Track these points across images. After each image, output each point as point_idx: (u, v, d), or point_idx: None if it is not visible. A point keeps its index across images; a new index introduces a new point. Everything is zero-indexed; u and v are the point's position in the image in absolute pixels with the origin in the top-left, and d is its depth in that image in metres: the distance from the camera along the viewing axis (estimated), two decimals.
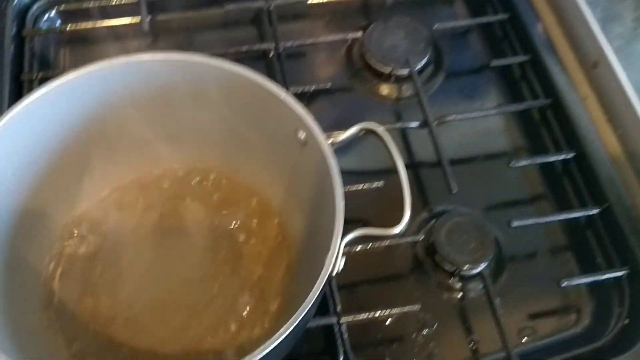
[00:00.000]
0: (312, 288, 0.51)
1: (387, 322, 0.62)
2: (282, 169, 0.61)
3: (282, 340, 0.43)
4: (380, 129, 0.53)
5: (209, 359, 0.56)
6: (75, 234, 0.61)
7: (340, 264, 0.48)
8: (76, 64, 0.76)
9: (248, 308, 0.58)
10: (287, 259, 0.61)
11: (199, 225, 0.63)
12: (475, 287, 0.64)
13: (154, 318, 0.58)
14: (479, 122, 0.75)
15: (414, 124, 0.71)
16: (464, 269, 0.63)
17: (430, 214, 0.68)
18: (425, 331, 0.62)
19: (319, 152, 0.52)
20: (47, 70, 0.74)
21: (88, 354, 0.55)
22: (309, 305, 0.45)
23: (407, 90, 0.77)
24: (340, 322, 0.58)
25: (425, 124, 0.70)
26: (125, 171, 0.63)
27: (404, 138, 0.74)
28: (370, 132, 0.54)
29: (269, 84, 0.54)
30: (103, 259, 0.60)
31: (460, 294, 0.64)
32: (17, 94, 0.71)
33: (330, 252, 0.47)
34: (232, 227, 0.62)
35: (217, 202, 0.63)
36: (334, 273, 0.48)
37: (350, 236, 0.49)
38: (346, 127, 0.57)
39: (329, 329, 0.59)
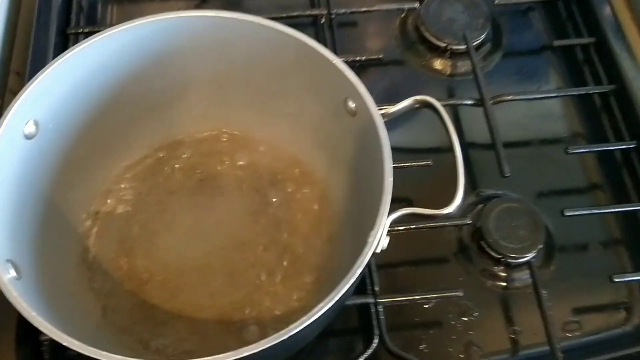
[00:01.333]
0: (352, 264, 0.49)
1: (426, 306, 0.60)
2: (327, 138, 0.59)
3: (320, 316, 0.42)
4: (437, 103, 0.50)
5: (244, 328, 0.54)
6: (113, 193, 0.60)
7: (385, 242, 0.46)
8: (123, 20, 0.76)
9: (284, 280, 0.57)
10: (328, 233, 0.59)
11: (239, 192, 0.61)
12: (521, 276, 0.61)
13: (189, 282, 0.56)
14: (536, 105, 0.71)
15: (469, 102, 0.67)
16: (512, 257, 0.60)
17: (478, 197, 0.65)
18: (465, 318, 0.60)
19: (369, 123, 0.50)
20: (94, 26, 0.73)
21: (120, 312, 0.55)
22: (351, 282, 0.43)
23: (462, 66, 0.74)
24: (378, 302, 0.56)
25: (480, 102, 0.67)
26: (168, 131, 0.62)
27: (455, 116, 0.70)
28: (425, 105, 0.51)
29: (322, 48, 0.52)
30: (140, 220, 0.59)
31: (504, 283, 0.61)
32: (63, 48, 0.70)
33: (374, 230, 0.45)
34: (272, 195, 0.61)
35: (259, 170, 0.62)
36: (378, 251, 0.46)
37: (396, 214, 0.46)
38: (396, 100, 0.54)
39: (364, 308, 0.57)
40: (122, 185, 0.60)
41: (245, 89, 0.60)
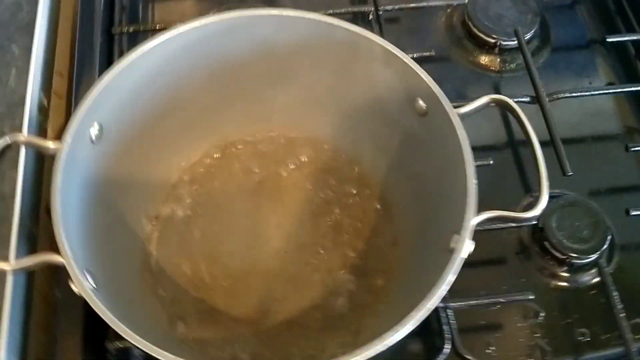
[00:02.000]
0: (423, 268, 0.48)
1: (490, 308, 0.59)
2: (389, 139, 0.57)
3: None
4: (513, 103, 0.49)
5: (315, 335, 0.53)
6: (172, 196, 0.59)
7: (471, 247, 0.45)
8: (164, 19, 0.74)
9: (350, 283, 0.55)
10: (391, 234, 0.57)
11: (297, 194, 0.60)
12: (584, 276, 0.60)
13: (254, 287, 0.55)
14: (589, 101, 0.70)
15: (524, 99, 0.66)
16: (576, 257, 0.59)
17: (533, 197, 0.64)
18: (530, 321, 0.59)
19: (444, 123, 0.49)
20: (137, 25, 0.71)
21: (187, 320, 0.53)
22: (443, 288, 0.41)
23: (510, 62, 0.72)
24: (448, 306, 0.55)
25: (535, 99, 0.66)
26: (226, 132, 0.60)
27: (502, 114, 0.69)
28: (501, 105, 0.50)
29: (392, 47, 0.51)
30: (200, 224, 0.58)
31: (567, 283, 0.60)
32: (108, 47, 0.68)
33: (462, 234, 0.44)
34: (331, 197, 0.59)
35: (318, 171, 0.60)
36: (465, 256, 0.44)
37: (481, 217, 0.45)
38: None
39: (433, 311, 0.56)
40: (180, 189, 0.59)
41: (304, 89, 0.58)
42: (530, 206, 0.62)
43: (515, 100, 0.66)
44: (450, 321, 0.55)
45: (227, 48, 0.55)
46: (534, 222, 0.61)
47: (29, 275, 0.52)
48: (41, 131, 0.61)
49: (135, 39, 0.71)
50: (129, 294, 0.52)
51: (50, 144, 0.47)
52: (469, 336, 0.57)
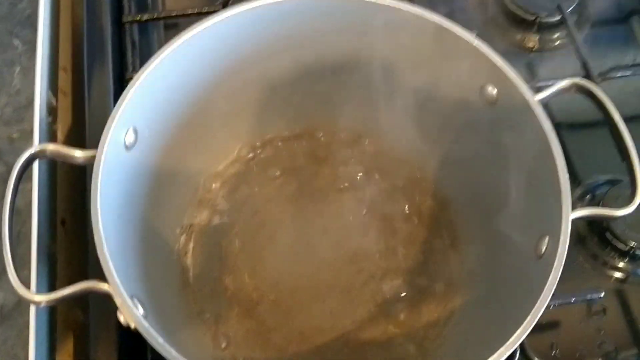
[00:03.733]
0: (489, 271, 0.44)
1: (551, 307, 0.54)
2: (443, 131, 0.52)
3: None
4: (600, 91, 0.44)
5: (371, 350, 0.48)
6: (205, 203, 0.53)
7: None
8: (174, 6, 0.68)
9: (409, 292, 0.51)
10: (449, 237, 0.53)
11: (342, 195, 0.55)
12: None
13: (304, 301, 0.50)
14: (634, 79, 0.65)
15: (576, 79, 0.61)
16: None
17: (585, 186, 0.60)
18: (593, 318, 0.55)
19: (519, 111, 0.44)
20: (149, 13, 0.65)
21: (234, 339, 0.48)
22: (547, 300, 0.37)
23: (550, 40, 0.67)
24: None
25: (586, 78, 0.61)
26: (257, 130, 0.55)
27: None
28: (582, 91, 0.45)
29: (459, 29, 0.46)
30: (239, 232, 0.53)
31: (629, 276, 0.56)
32: (119, 38, 0.62)
33: (560, 236, 0.39)
34: (381, 196, 0.54)
35: (363, 169, 0.55)
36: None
37: (576, 214, 0.41)
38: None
39: None
40: (215, 194, 0.53)
41: (348, 81, 0.53)
42: (582, 198, 0.59)
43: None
44: None
45: (262, 37, 0.49)
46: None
47: None
48: (51, 135, 0.55)
49: (146, 29, 0.65)
50: (170, 315, 0.46)
51: (80, 154, 0.41)
52: (534, 338, 0.52)
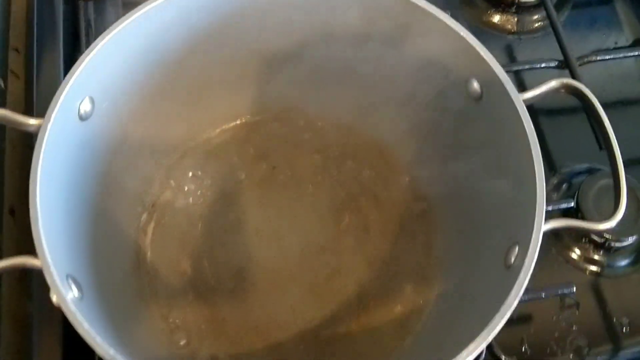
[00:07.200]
0: (466, 276, 0.41)
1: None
2: (428, 125, 0.50)
3: None
4: (590, 93, 0.41)
5: (331, 350, 0.46)
6: (171, 182, 0.51)
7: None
8: None
9: (377, 291, 0.48)
10: (425, 235, 0.50)
11: (316, 183, 0.52)
12: (620, 261, 0.53)
13: (265, 292, 0.48)
14: (615, 63, 0.61)
15: (552, 64, 0.57)
16: (615, 240, 0.52)
17: (561, 175, 0.56)
18: (566, 312, 0.52)
19: (503, 110, 0.41)
20: None
21: (186, 326, 0.46)
22: (506, 314, 0.34)
23: (529, 22, 0.64)
24: None
25: (565, 64, 0.57)
26: (232, 110, 0.52)
27: (518, 80, 0.60)
28: (572, 92, 0.42)
29: (448, 19, 0.43)
30: (204, 215, 0.50)
31: (603, 269, 0.53)
32: (72, 17, 0.57)
33: (529, 247, 0.36)
34: (355, 188, 0.52)
35: (340, 158, 0.53)
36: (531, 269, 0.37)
37: (550, 226, 0.38)
38: None
39: None
40: (181, 173, 0.51)
41: (330, 64, 0.50)
42: (558, 189, 0.56)
43: (543, 66, 0.58)
44: None
45: (242, 10, 0.47)
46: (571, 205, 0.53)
47: None
48: None
49: (103, 7, 0.60)
50: (120, 301, 0.44)
51: (32, 121, 0.39)
52: (501, 333, 0.50)
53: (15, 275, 0.47)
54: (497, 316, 0.34)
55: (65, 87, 0.38)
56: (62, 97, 0.38)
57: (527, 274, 0.36)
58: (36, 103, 0.51)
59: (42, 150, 0.37)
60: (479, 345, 0.33)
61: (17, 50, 0.57)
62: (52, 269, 0.34)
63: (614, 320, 0.51)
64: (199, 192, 0.51)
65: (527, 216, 0.37)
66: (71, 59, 0.54)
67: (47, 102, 0.49)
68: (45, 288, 0.42)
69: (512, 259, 0.38)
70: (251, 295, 0.48)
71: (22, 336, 0.45)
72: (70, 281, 0.36)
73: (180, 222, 0.50)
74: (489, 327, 0.33)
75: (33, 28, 0.54)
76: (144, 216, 0.49)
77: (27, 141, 0.50)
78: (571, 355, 0.50)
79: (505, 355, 0.46)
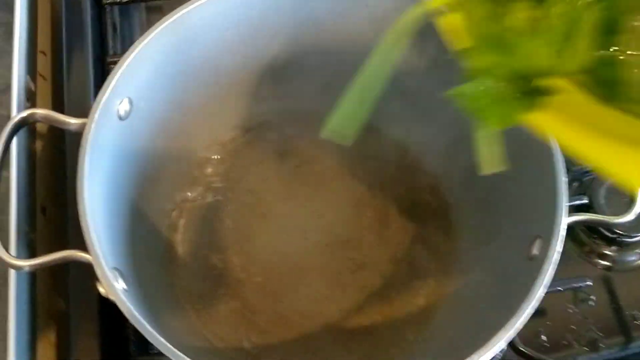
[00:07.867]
0: (484, 271, 0.43)
1: None
2: (446, 120, 0.51)
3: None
4: None
5: (354, 339, 0.48)
6: (200, 179, 0.52)
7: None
8: None
9: (399, 283, 0.50)
10: (444, 230, 0.52)
11: (339, 179, 0.54)
12: (630, 256, 0.55)
13: (291, 285, 0.50)
14: None
15: None
16: (627, 235, 0.53)
17: (580, 171, 0.57)
18: (580, 306, 0.54)
19: None
20: None
21: (218, 318, 0.48)
22: (532, 304, 0.36)
23: None
24: None
25: None
26: (262, 110, 0.54)
27: None
28: None
29: None
30: (232, 211, 0.52)
31: (615, 264, 0.55)
32: (99, 20, 0.59)
33: (551, 241, 0.38)
34: (377, 184, 0.54)
35: (362, 155, 0.54)
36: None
37: (572, 219, 0.40)
38: None
39: None
40: (210, 171, 0.53)
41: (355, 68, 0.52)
42: (569, 186, 0.55)
43: None
44: None
45: (265, 16, 0.48)
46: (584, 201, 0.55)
47: (31, 287, 0.45)
48: None
49: (127, 11, 0.63)
50: (154, 295, 0.46)
51: (73, 120, 0.40)
52: None
53: (51, 272, 0.48)
54: (525, 304, 0.36)
55: (108, 87, 0.40)
56: (105, 97, 0.40)
57: (551, 264, 0.37)
58: (67, 104, 0.52)
59: (88, 146, 0.38)
60: (508, 332, 0.35)
61: (43, 53, 0.58)
62: (102, 261, 0.36)
63: (626, 313, 0.53)
64: (226, 190, 0.53)
65: (549, 209, 0.39)
66: (99, 61, 0.56)
67: (78, 103, 0.51)
68: (81, 284, 0.45)
69: (535, 251, 0.39)
70: (278, 288, 0.50)
71: (58, 332, 0.47)
72: (117, 274, 0.38)
73: (210, 219, 0.51)
74: (516, 315, 0.35)
75: (61, 32, 0.56)
76: (174, 213, 0.51)
77: (56, 143, 0.52)
78: (586, 348, 0.52)
79: (524, 345, 0.48)
